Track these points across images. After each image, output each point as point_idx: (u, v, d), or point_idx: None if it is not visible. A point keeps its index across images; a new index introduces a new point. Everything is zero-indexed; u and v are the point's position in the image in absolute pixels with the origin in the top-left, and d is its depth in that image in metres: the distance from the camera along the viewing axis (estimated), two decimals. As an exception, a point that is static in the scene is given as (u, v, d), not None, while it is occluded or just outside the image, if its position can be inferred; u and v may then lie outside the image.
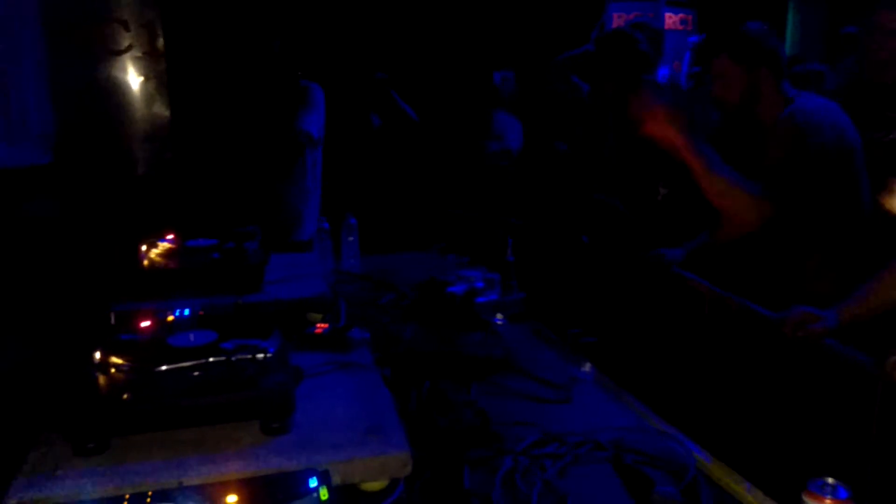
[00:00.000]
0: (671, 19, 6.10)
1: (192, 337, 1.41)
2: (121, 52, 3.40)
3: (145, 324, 1.48)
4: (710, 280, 2.40)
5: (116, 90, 3.42)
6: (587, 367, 1.94)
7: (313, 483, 1.10)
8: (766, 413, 2.04)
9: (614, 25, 5.14)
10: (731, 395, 2.12)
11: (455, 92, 4.61)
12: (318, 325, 1.85)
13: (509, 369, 1.93)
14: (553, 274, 2.84)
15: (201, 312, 1.61)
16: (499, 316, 2.30)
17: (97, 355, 1.29)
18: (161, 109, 3.49)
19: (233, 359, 1.32)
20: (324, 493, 1.10)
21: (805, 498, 1.14)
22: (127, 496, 1.07)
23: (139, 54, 3.45)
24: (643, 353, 2.27)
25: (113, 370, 1.28)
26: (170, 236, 2.18)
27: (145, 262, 2.07)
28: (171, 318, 1.56)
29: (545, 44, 3.39)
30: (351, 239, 2.76)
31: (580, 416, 1.70)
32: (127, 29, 3.41)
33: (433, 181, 3.95)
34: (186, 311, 1.60)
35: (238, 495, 1.06)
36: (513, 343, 2.10)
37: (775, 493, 1.37)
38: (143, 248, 2.10)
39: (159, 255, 2.10)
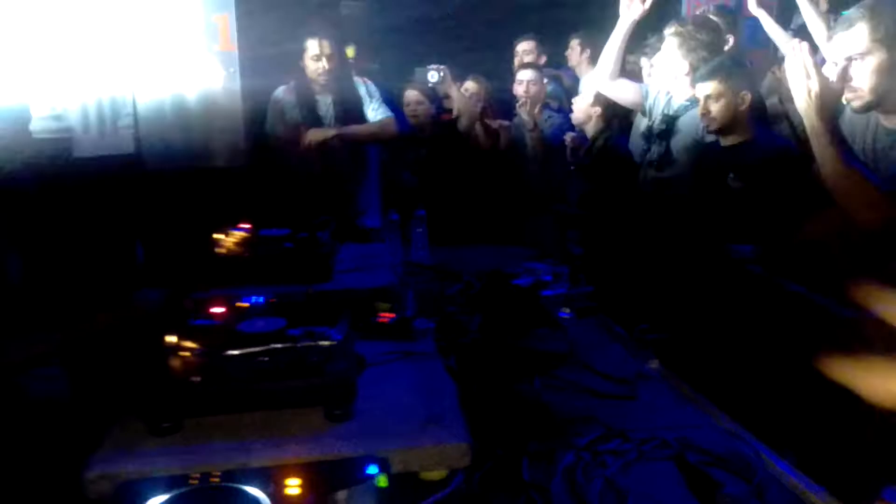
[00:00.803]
0: (752, 3, 5.87)
1: (261, 323, 1.45)
2: (196, 48, 3.53)
3: (218, 310, 1.54)
4: (786, 276, 2.32)
5: (193, 83, 3.55)
6: (654, 363, 1.91)
7: (373, 470, 1.13)
8: (841, 415, 1.96)
9: (687, 11, 4.98)
10: (803, 396, 2.04)
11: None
12: (385, 314, 1.88)
13: (574, 364, 1.91)
14: (622, 268, 2.80)
15: (272, 300, 1.66)
16: (565, 310, 2.27)
17: (171, 340, 1.35)
18: (236, 102, 3.60)
19: (298, 345, 1.35)
20: (383, 481, 1.12)
21: (879, 506, 1.10)
22: (196, 475, 1.11)
23: (214, 50, 3.57)
24: (713, 351, 2.21)
25: (185, 354, 1.33)
26: (244, 226, 2.25)
27: (220, 250, 2.15)
28: (243, 304, 1.62)
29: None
30: (420, 230, 2.78)
31: (645, 413, 1.67)
32: (202, 25, 3.53)
33: (501, 170, 3.91)
34: (258, 299, 1.65)
35: (300, 479, 1.09)
36: (579, 337, 2.08)
37: (848, 500, 1.32)
38: (219, 236, 2.18)
39: (234, 243, 2.17)
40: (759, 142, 2.74)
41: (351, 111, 3.69)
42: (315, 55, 3.54)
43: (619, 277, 2.68)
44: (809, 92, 1.92)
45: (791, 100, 2.12)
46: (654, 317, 2.11)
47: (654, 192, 3.11)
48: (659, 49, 3.22)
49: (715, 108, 2.70)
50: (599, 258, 2.55)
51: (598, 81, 3.40)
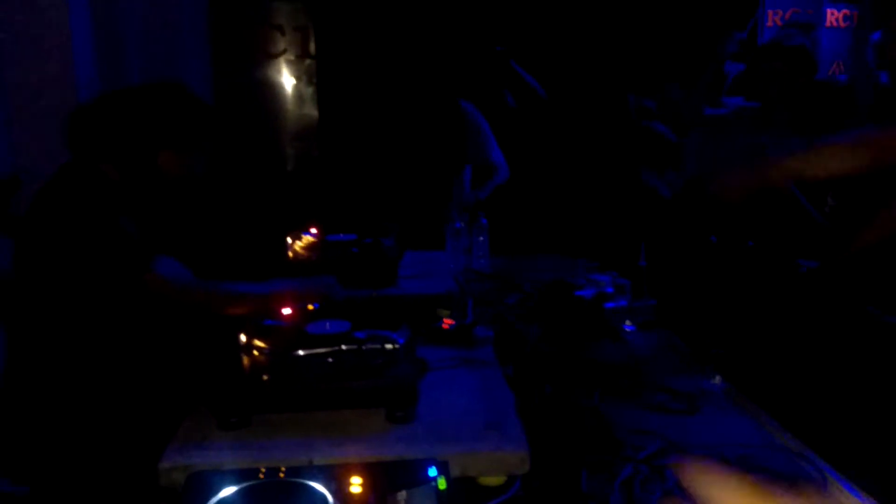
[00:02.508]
0: (833, 16, 5.72)
1: (327, 325, 1.50)
2: (276, 56, 3.63)
3: (286, 311, 1.59)
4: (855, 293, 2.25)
5: (270, 91, 3.65)
6: (717, 379, 1.88)
7: (433, 472, 1.15)
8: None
9: (769, 24, 4.88)
10: (870, 416, 1.98)
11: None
12: (446, 320, 1.91)
13: (635, 377, 1.90)
14: (685, 281, 2.76)
15: (339, 303, 1.71)
16: (628, 323, 2.26)
17: (242, 338, 1.41)
18: (310, 109, 3.69)
19: (363, 348, 1.39)
20: (442, 483, 1.14)
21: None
22: (263, 469, 1.15)
23: (292, 57, 3.66)
24: (777, 368, 2.16)
25: (255, 353, 1.39)
26: (313, 230, 2.32)
27: (290, 254, 2.22)
28: (310, 307, 1.67)
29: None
30: (481, 239, 2.80)
31: (706, 429, 1.65)
32: (282, 33, 3.64)
33: (567, 178, 3.89)
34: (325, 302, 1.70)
35: (362, 478, 1.12)
36: (641, 351, 2.06)
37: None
38: (289, 240, 2.25)
39: (303, 247, 2.24)
40: None
41: None
42: None
43: (683, 291, 2.64)
44: None
45: None
46: (718, 332, 2.08)
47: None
48: None
49: None
50: (663, 271, 2.52)
51: None
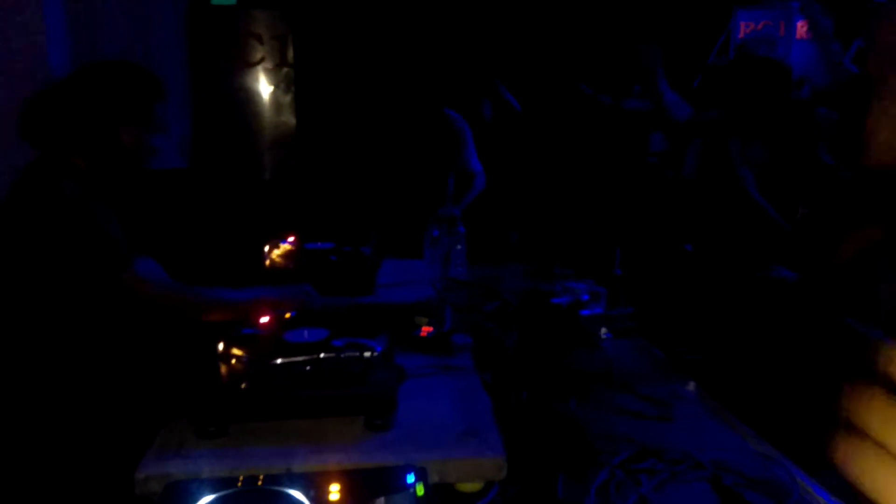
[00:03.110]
0: (804, 28, 5.82)
1: (306, 333, 1.50)
2: (254, 64, 3.63)
3: (264, 320, 1.59)
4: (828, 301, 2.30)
5: (248, 99, 3.65)
6: (691, 385, 1.91)
7: (411, 479, 1.16)
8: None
9: (741, 35, 4.97)
10: (839, 420, 2.02)
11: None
12: (424, 328, 1.92)
13: (611, 384, 1.92)
14: (660, 289, 2.79)
15: (317, 310, 1.71)
16: (604, 330, 2.29)
17: (220, 347, 1.40)
18: (288, 118, 3.69)
19: (342, 356, 1.40)
20: (420, 490, 1.15)
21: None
22: (241, 478, 1.15)
23: (270, 66, 3.66)
24: (750, 373, 2.20)
25: (233, 361, 1.39)
26: (290, 238, 2.31)
27: (267, 262, 2.21)
28: (287, 315, 1.67)
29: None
30: (459, 247, 2.82)
31: (680, 434, 1.67)
32: (261, 42, 3.64)
33: (544, 187, 3.93)
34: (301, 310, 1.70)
35: (340, 485, 1.13)
36: (616, 358, 2.09)
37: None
38: (266, 248, 2.24)
39: (280, 255, 2.24)
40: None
41: None
42: None
43: (658, 298, 2.67)
44: None
45: None
46: (692, 338, 2.11)
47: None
48: None
49: None
50: (639, 279, 2.56)
51: None
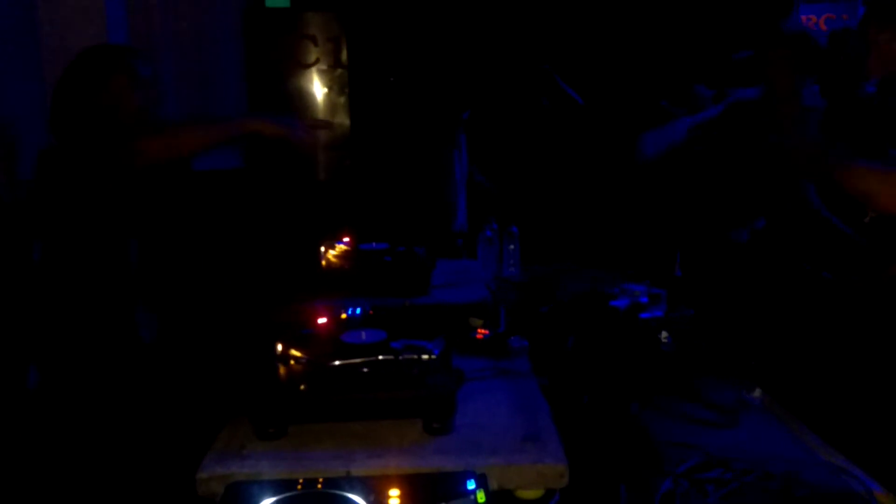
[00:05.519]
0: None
1: (363, 335, 1.50)
2: (309, 66, 3.66)
3: (322, 320, 1.59)
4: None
5: (303, 101, 3.68)
6: (757, 392, 1.85)
7: (471, 485, 1.14)
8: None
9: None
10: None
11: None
12: (480, 330, 1.90)
13: (673, 389, 1.87)
14: (724, 292, 2.72)
15: (371, 312, 1.70)
16: (665, 334, 2.23)
17: (279, 348, 1.41)
18: (342, 119, 3.71)
19: (400, 358, 1.39)
20: (481, 496, 1.13)
21: None
22: (301, 480, 1.15)
23: (325, 67, 3.68)
24: (820, 380, 2.11)
25: (292, 362, 1.39)
26: (345, 239, 2.32)
27: (323, 263, 2.22)
28: (344, 315, 1.67)
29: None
30: (512, 247, 2.79)
31: (746, 442, 1.62)
32: (315, 44, 3.66)
33: (600, 184, 3.86)
34: (358, 311, 1.70)
35: (400, 489, 1.11)
36: (678, 362, 2.03)
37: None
38: (322, 249, 2.25)
39: (336, 256, 2.24)
40: None
41: None
42: None
43: (722, 302, 2.60)
44: None
45: None
46: (757, 343, 2.04)
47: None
48: None
49: None
50: (700, 281, 2.49)
51: None
